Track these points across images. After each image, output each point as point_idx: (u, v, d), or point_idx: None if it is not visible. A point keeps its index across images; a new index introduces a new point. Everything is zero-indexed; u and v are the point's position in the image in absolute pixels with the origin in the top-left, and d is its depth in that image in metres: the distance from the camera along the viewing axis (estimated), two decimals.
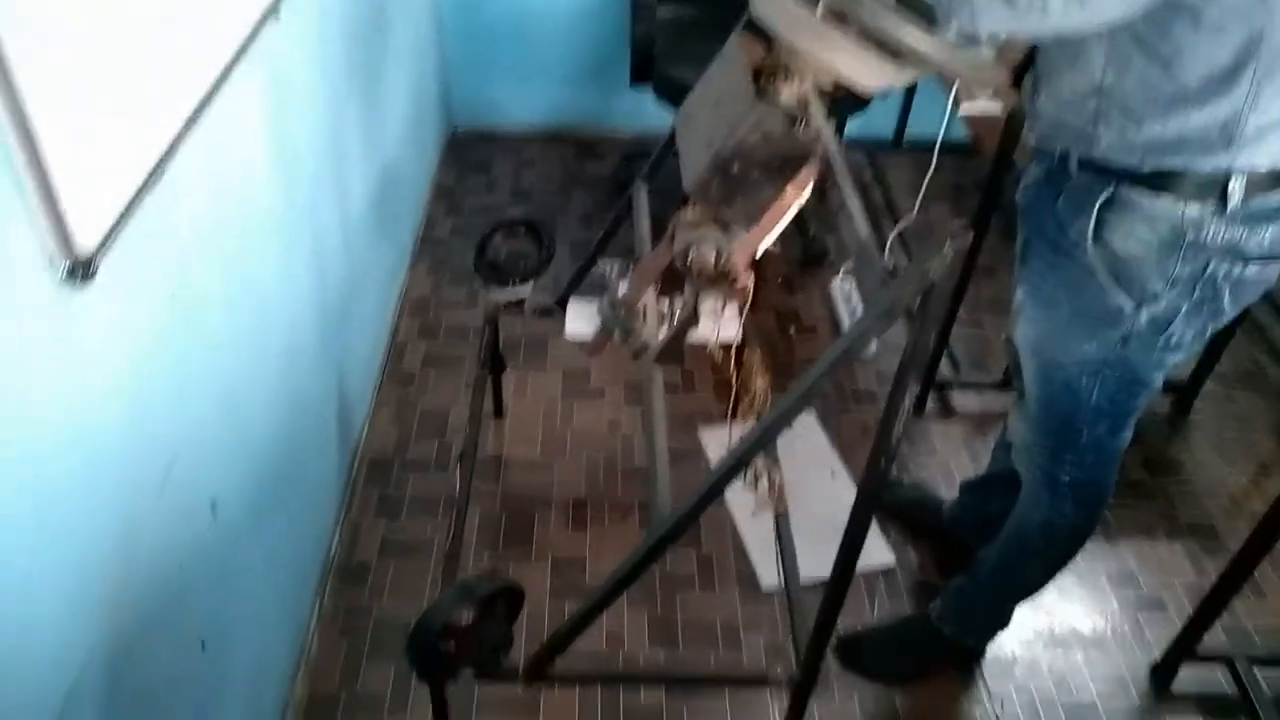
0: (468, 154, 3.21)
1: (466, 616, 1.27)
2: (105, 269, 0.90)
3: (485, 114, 3.29)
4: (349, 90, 1.96)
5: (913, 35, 0.94)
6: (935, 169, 1.31)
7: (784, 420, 1.06)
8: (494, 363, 2.09)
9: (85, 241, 0.87)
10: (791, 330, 2.58)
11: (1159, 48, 1.11)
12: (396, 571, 1.91)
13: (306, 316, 1.69)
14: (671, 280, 1.41)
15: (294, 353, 1.62)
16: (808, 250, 2.79)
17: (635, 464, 2.17)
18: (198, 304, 1.19)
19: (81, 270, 0.86)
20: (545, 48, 3.16)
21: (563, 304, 1.99)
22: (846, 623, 1.79)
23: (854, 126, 3.13)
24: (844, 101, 1.40)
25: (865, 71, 1.03)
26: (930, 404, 2.37)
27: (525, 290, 1.89)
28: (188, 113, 1.09)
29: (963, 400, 2.42)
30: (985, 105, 2.05)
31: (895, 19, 0.94)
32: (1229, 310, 1.29)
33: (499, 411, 2.25)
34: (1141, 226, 1.22)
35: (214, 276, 1.25)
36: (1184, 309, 1.26)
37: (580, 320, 1.91)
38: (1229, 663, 1.82)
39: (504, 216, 1.86)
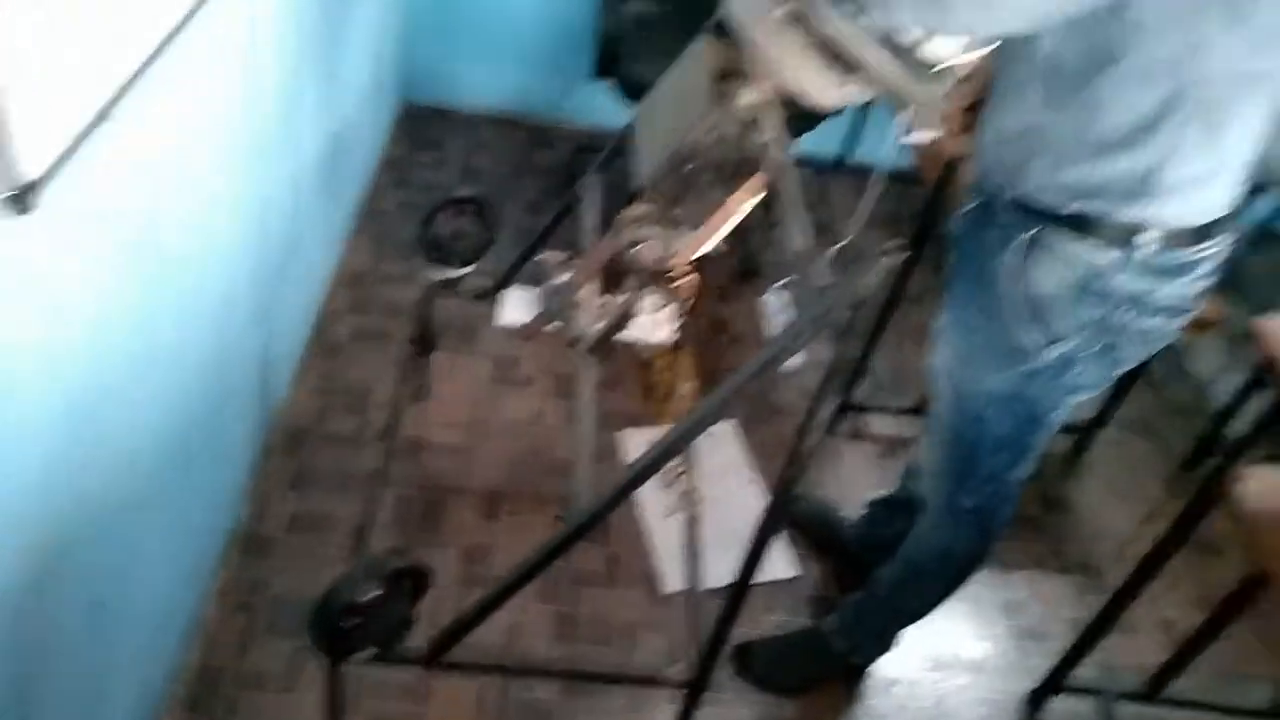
0: (420, 129, 3.19)
1: (373, 593, 1.27)
2: (48, 199, 0.89)
3: (441, 89, 3.27)
4: (308, 50, 1.93)
5: (868, 50, 0.98)
6: (877, 196, 1.36)
7: (712, 415, 1.09)
8: (425, 342, 2.08)
9: (30, 169, 0.86)
10: (723, 338, 2.62)
11: (1090, 92, 1.15)
12: (301, 547, 1.88)
13: (244, 270, 1.66)
14: (611, 278, 1.44)
15: (228, 306, 1.59)
16: (746, 262, 2.84)
17: (557, 457, 2.18)
18: (140, 243, 1.17)
19: (23, 197, 0.85)
20: (509, 29, 3.15)
21: (500, 289, 1.99)
22: (746, 631, 1.83)
23: (801, 145, 3.19)
24: (797, 119, 1.42)
25: (815, 81, 1.07)
26: (845, 424, 2.43)
27: (465, 271, 1.90)
28: (148, 51, 1.08)
29: (878, 423, 2.49)
30: (932, 135, 2.12)
31: (852, 31, 0.98)
32: (1130, 359, 1.35)
33: (425, 393, 2.24)
34: (1060, 267, 1.26)
35: (160, 218, 1.23)
36: (1088, 352, 1.32)
37: (516, 307, 1.92)
38: (1098, 695, 1.91)
39: (452, 192, 1.85)
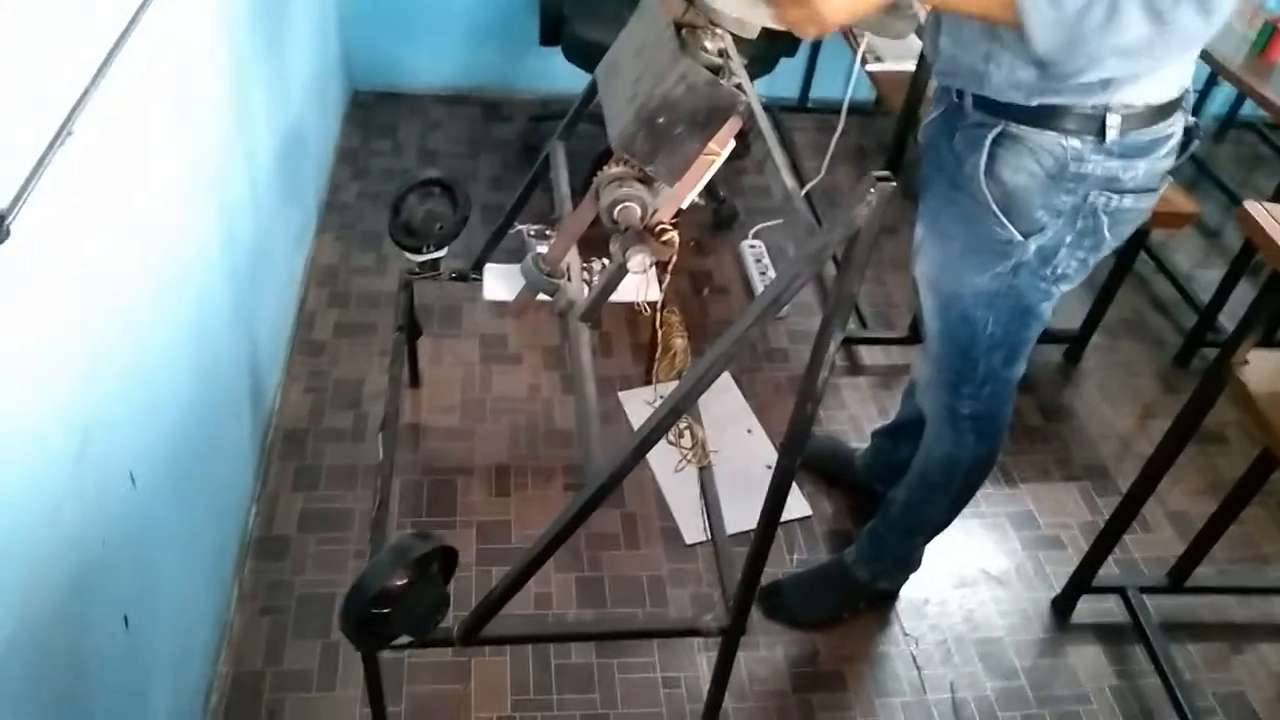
0: (372, 116, 3.14)
1: (402, 579, 1.26)
2: (18, 230, 0.86)
3: (388, 75, 3.22)
4: (253, 46, 1.89)
5: None
6: (840, 130, 1.35)
7: (718, 367, 1.09)
8: (410, 329, 2.06)
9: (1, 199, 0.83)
10: (705, 291, 2.61)
11: None
12: (317, 544, 1.88)
13: (217, 282, 1.64)
14: (590, 242, 1.42)
15: (206, 319, 1.57)
16: (718, 213, 2.82)
17: (557, 427, 2.18)
18: (110, 267, 1.15)
19: None
20: (450, 6, 3.10)
21: (479, 268, 1.97)
22: (766, 573, 1.83)
23: (759, 87, 3.17)
24: (754, 63, 1.41)
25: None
26: (839, 360, 2.44)
27: (440, 254, 1.87)
28: (94, 68, 1.05)
29: (870, 355, 2.50)
30: (891, 64, 2.10)
31: None
32: (1109, 240, 1.37)
33: (415, 380, 2.22)
34: (1028, 159, 1.28)
35: (126, 239, 1.20)
36: (1068, 239, 1.34)
37: (499, 283, 1.90)
38: (1121, 593, 1.94)
39: (416, 176, 1.82)
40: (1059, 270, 1.39)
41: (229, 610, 1.71)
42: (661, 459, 2.02)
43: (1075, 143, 1.26)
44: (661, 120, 1.14)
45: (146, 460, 1.27)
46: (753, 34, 1.14)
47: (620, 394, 2.26)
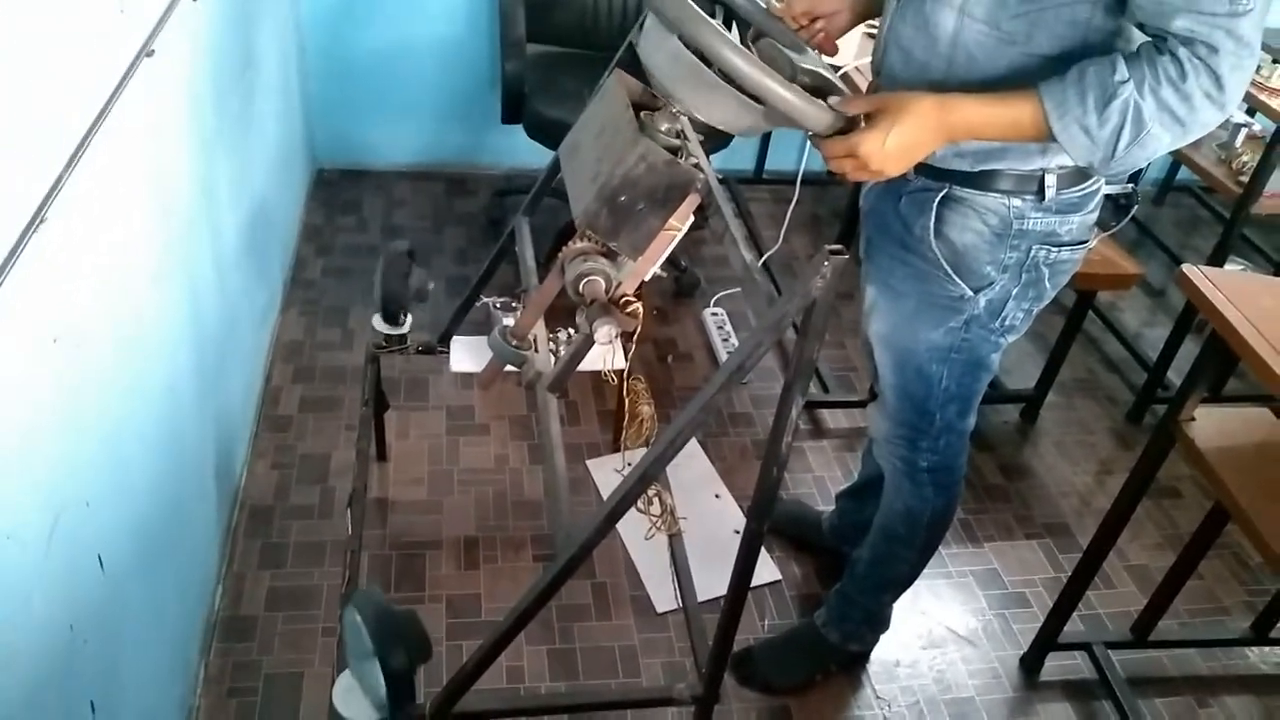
0: (336, 193, 3.18)
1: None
2: None
3: (351, 153, 3.27)
4: (219, 128, 1.92)
5: (766, 85, 1.03)
6: (795, 201, 1.40)
7: (686, 434, 1.11)
8: (377, 402, 2.07)
9: None
10: (669, 358, 2.65)
11: (995, 73, 1.22)
12: (285, 623, 1.85)
13: (184, 359, 1.64)
14: (555, 313, 1.45)
15: (174, 396, 1.57)
16: (679, 281, 2.88)
17: (525, 497, 2.18)
18: (82, 346, 1.16)
19: None
20: (410, 86, 3.16)
21: (445, 340, 1.99)
22: (738, 639, 1.84)
23: (716, 160, 3.25)
24: (711, 139, 1.46)
25: (727, 114, 1.12)
26: (802, 424, 2.47)
27: (405, 327, 1.89)
28: (67, 154, 1.07)
29: (833, 418, 2.54)
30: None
31: (749, 66, 1.02)
32: (1049, 290, 1.44)
33: (382, 454, 2.22)
34: (974, 220, 1.35)
35: (97, 318, 1.21)
36: (1014, 291, 1.41)
37: (465, 355, 1.92)
38: (1088, 649, 1.97)
39: (398, 249, 1.84)
40: (1007, 322, 1.45)
41: (195, 694, 1.68)
42: (631, 527, 2.02)
43: (1017, 202, 1.33)
44: (623, 198, 1.18)
45: (114, 541, 1.27)
46: (740, 133, 1.21)
47: (589, 462, 2.28)
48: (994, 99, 1.17)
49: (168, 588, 1.54)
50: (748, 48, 1.23)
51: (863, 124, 1.18)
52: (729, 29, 1.35)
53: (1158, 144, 1.15)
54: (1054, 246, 1.37)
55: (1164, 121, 1.12)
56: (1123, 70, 1.10)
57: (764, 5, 1.40)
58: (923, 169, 1.37)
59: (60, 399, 1.10)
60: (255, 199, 2.27)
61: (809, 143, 1.16)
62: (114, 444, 1.28)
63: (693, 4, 1.06)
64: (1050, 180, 1.31)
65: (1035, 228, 1.35)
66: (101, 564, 1.21)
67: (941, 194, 1.36)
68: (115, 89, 1.23)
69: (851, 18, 1.51)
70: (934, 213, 1.37)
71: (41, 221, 1.00)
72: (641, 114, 1.24)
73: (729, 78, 1.09)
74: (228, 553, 1.95)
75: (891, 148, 1.14)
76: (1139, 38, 1.19)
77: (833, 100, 1.18)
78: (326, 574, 1.94)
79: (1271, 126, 2.39)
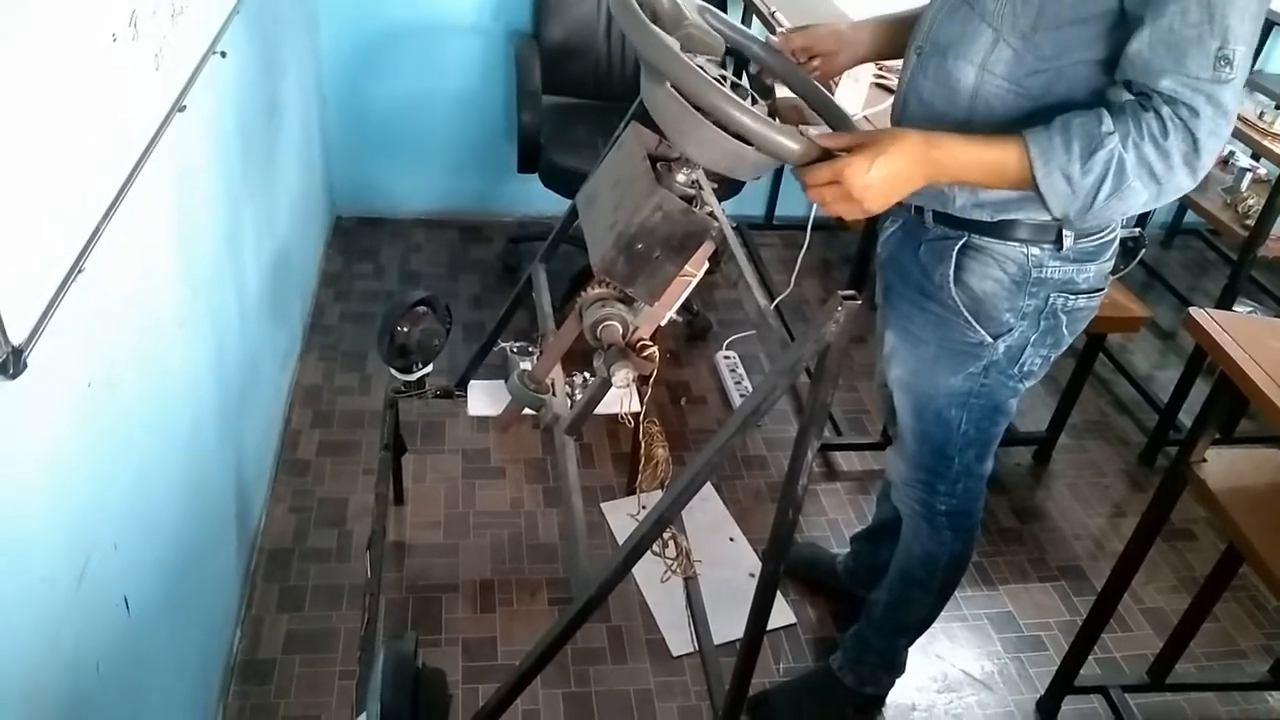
0: (354, 241, 3.23)
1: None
2: (34, 359, 0.91)
3: (369, 201, 3.33)
4: (244, 178, 1.97)
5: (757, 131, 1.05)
6: (805, 246, 1.43)
7: (702, 477, 1.13)
8: (395, 446, 2.09)
9: (17, 333, 0.88)
10: (683, 401, 2.67)
11: (1014, 127, 1.22)
12: (302, 665, 1.86)
13: (208, 403, 1.68)
14: (572, 357, 1.48)
15: (198, 440, 1.60)
16: (692, 325, 2.91)
17: (540, 541, 2.19)
18: (113, 392, 1.19)
19: (13, 362, 0.87)
20: (427, 136, 3.23)
21: (462, 385, 2.02)
22: (756, 682, 1.84)
23: (728, 206, 3.30)
24: (723, 186, 1.51)
25: (718, 155, 1.14)
26: (816, 467, 2.48)
27: (426, 370, 1.92)
28: (105, 205, 1.11)
29: (846, 461, 2.55)
30: None
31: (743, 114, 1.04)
32: (1066, 337, 1.46)
33: (399, 498, 2.24)
34: (994, 268, 1.38)
35: (127, 364, 1.25)
36: (1032, 338, 1.43)
37: (482, 399, 1.95)
38: (1104, 692, 1.96)
39: (405, 301, 1.88)
40: (1025, 368, 1.47)
41: None
42: (646, 570, 2.03)
43: (1036, 250, 1.36)
44: (640, 246, 1.21)
45: (140, 583, 1.29)
46: (743, 177, 1.23)
47: (604, 505, 2.29)
48: (980, 140, 1.18)
49: (189, 629, 1.56)
50: (767, 95, 1.26)
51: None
52: (740, 76, 1.38)
53: (1135, 199, 1.17)
54: (1071, 294, 1.40)
55: (1143, 177, 1.14)
56: (1108, 122, 1.13)
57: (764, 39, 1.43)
58: (942, 219, 1.40)
59: (93, 442, 1.13)
60: (278, 246, 2.32)
61: (793, 176, 1.15)
62: (141, 486, 1.31)
63: (663, 36, 1.08)
64: (1068, 230, 1.34)
65: (1053, 275, 1.37)
66: (127, 605, 1.24)
67: (961, 243, 1.39)
68: (149, 142, 1.27)
69: (849, 60, 1.55)
70: (954, 260, 1.40)
71: (80, 271, 1.04)
72: (659, 165, 1.28)
73: (709, 114, 1.09)
74: (246, 595, 1.96)
75: (874, 178, 1.09)
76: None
77: (813, 132, 1.17)
78: (344, 617, 1.96)
79: (1276, 170, 2.43)
